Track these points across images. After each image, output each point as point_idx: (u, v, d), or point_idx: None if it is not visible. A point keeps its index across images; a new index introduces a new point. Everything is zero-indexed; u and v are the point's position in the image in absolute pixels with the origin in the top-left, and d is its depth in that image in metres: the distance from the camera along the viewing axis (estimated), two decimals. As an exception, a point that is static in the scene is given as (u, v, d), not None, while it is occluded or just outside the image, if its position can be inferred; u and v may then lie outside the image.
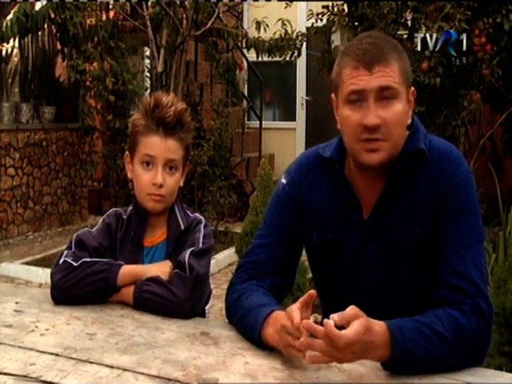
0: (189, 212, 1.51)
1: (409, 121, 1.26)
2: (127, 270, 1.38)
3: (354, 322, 0.98)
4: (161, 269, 1.39)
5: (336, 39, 4.97)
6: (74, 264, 1.38)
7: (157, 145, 1.43)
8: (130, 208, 1.52)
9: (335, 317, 0.97)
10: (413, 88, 1.27)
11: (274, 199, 1.40)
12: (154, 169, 1.43)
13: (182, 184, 1.51)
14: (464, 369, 1.10)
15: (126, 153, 1.51)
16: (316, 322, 1.02)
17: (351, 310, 1.00)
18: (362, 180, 1.28)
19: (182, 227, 1.47)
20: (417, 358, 1.05)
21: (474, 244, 1.20)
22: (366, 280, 1.29)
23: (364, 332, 0.98)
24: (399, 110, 1.20)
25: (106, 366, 1.07)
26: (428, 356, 1.06)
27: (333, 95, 1.28)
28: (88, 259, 1.40)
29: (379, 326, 1.04)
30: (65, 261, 1.40)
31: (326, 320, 0.97)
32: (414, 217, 1.24)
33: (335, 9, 4.99)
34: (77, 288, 1.37)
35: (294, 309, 1.06)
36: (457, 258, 1.18)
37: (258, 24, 5.83)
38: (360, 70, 1.18)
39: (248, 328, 1.18)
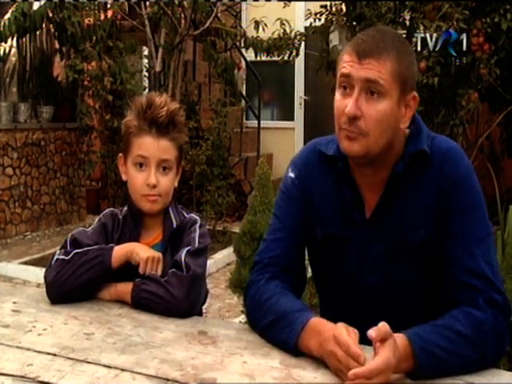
0: (184, 212, 1.51)
1: (403, 125, 1.24)
2: (119, 249, 1.39)
3: (383, 350, 0.98)
4: (150, 250, 1.40)
5: (334, 39, 4.97)
6: (66, 258, 1.38)
7: (149, 145, 1.42)
8: (126, 208, 1.52)
9: (373, 334, 0.97)
10: (415, 93, 1.24)
11: (283, 193, 1.39)
12: (147, 169, 1.43)
13: (176, 185, 1.50)
14: (491, 364, 1.09)
15: (120, 155, 1.51)
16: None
17: (384, 326, 0.99)
18: (363, 179, 1.28)
19: (175, 225, 1.46)
20: (440, 359, 1.04)
21: (483, 239, 1.19)
22: (369, 280, 1.28)
23: (393, 355, 0.98)
24: (384, 109, 1.18)
25: (104, 365, 1.07)
26: (451, 356, 1.05)
27: None
28: (79, 250, 1.39)
29: (399, 339, 1.02)
30: (57, 259, 1.39)
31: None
32: (417, 217, 1.24)
33: (333, 8, 4.99)
34: (73, 279, 1.36)
35: (344, 335, 1.02)
36: (467, 256, 1.17)
37: (257, 23, 5.83)
38: (352, 57, 1.20)
39: (283, 333, 1.14)
